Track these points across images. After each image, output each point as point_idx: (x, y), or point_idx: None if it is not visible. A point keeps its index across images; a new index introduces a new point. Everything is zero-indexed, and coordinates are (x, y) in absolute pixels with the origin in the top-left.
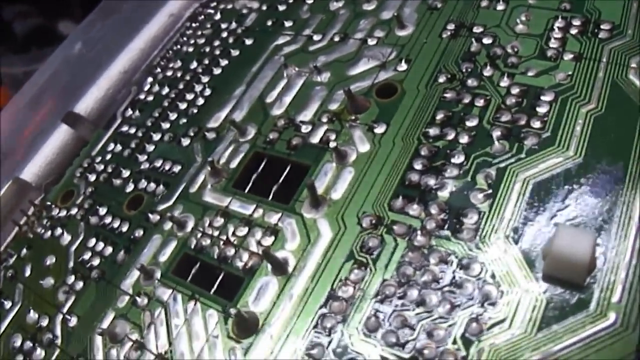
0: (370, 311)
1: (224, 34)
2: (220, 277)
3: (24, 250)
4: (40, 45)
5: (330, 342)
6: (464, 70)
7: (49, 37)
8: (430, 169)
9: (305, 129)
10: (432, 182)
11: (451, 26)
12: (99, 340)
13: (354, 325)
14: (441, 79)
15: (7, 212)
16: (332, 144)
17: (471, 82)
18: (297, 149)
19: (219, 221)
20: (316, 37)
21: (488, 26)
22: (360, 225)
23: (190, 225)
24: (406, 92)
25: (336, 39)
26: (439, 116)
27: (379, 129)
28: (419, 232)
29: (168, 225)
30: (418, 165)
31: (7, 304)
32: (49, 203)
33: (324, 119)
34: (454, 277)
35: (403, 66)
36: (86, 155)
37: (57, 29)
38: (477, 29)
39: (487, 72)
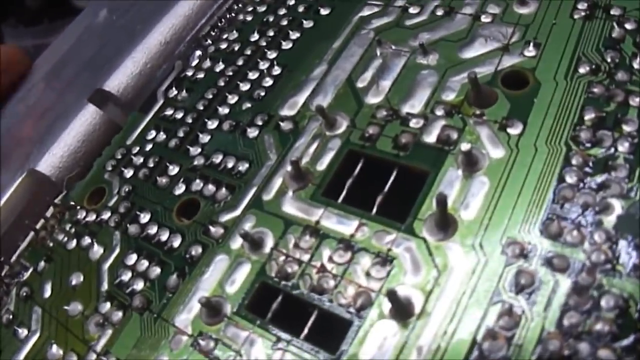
0: None
1: (291, 1)
2: (314, 317)
3: (42, 263)
4: (52, 18)
5: None
6: (609, 60)
7: (62, 10)
8: (587, 183)
9: (415, 123)
10: (591, 200)
11: (582, 5)
12: None
13: None
14: (582, 70)
15: (20, 213)
16: (465, 147)
17: (621, 76)
18: (408, 148)
19: (308, 241)
20: (412, 10)
21: (628, 9)
22: (505, 256)
23: (268, 244)
24: (542, 83)
25: (439, 12)
26: (588, 116)
27: (515, 129)
28: (584, 267)
29: (237, 243)
30: (571, 178)
31: (22, 332)
32: (72, 203)
33: (439, 112)
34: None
35: (531, 51)
36: (119, 144)
37: (71, 1)
38: (615, 11)
39: (638, 64)
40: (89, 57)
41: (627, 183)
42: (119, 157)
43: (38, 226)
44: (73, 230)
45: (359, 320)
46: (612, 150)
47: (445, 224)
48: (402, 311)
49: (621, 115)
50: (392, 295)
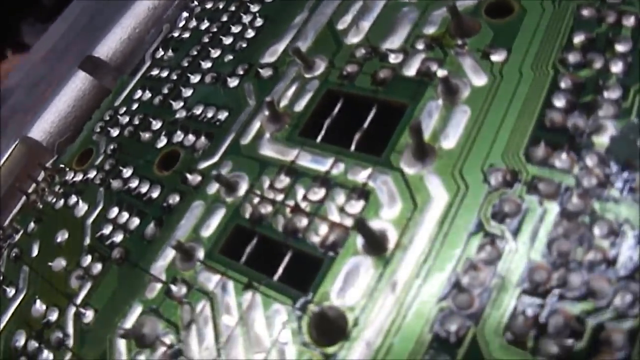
0: (513, 307)
1: None
2: (288, 258)
3: (32, 225)
4: None
5: (456, 353)
6: None
7: None
8: (577, 106)
9: (394, 58)
10: (582, 123)
11: None
12: (121, 343)
13: (490, 329)
14: None
15: (15, 178)
16: (441, 73)
17: None
18: (386, 83)
19: (284, 181)
20: None
21: None
22: (488, 183)
23: (243, 187)
24: (527, 10)
25: None
26: (577, 39)
27: (498, 56)
28: (574, 192)
29: (213, 188)
30: (560, 102)
31: (10, 291)
32: (62, 166)
33: (420, 46)
34: (631, 257)
35: None
36: (108, 107)
37: None
38: None
39: None
40: (81, 28)
41: (621, 104)
42: (107, 118)
43: (30, 190)
44: (61, 191)
45: (330, 257)
46: (604, 71)
47: (423, 153)
48: (374, 244)
49: (613, 35)
50: (361, 226)
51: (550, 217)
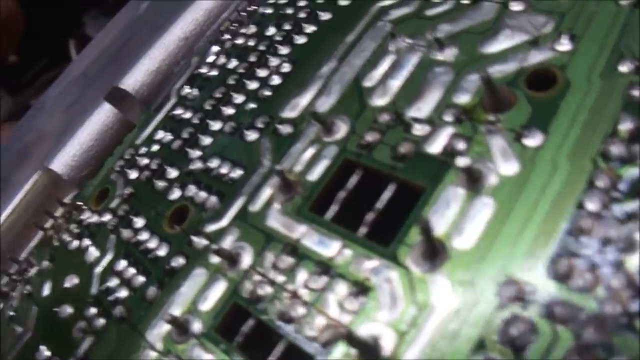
0: None
1: None
2: (281, 348)
3: (46, 262)
4: None
5: None
6: None
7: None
8: (611, 211)
9: (419, 130)
10: (614, 234)
11: None
12: None
13: None
14: (624, 68)
15: (34, 211)
16: (463, 162)
17: None
18: (407, 159)
19: (286, 260)
20: None
21: None
22: (500, 298)
23: (245, 261)
24: (572, 83)
25: (465, 0)
26: (625, 126)
27: (532, 140)
28: (592, 323)
29: (217, 257)
30: (594, 205)
31: (18, 330)
32: (80, 203)
33: (448, 117)
34: None
35: (565, 44)
36: (129, 144)
37: None
38: None
39: None
40: (114, 52)
41: None
42: (127, 157)
43: (47, 225)
44: (77, 230)
45: (322, 356)
46: None
47: (432, 253)
48: (367, 355)
49: None
50: (350, 340)
51: (561, 350)
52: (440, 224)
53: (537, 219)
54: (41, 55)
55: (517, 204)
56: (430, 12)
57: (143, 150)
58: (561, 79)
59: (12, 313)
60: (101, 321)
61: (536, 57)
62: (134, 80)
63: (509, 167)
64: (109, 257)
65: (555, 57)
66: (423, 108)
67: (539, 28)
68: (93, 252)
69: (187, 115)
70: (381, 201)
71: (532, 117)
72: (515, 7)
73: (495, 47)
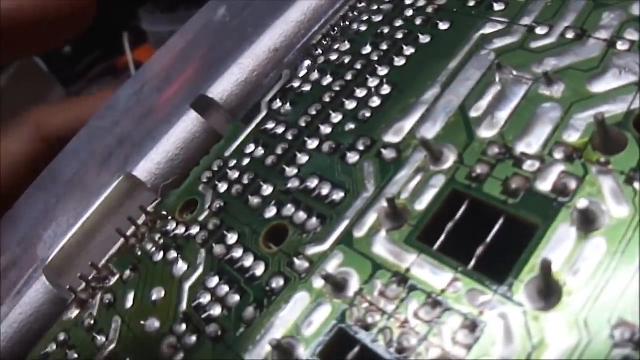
0: None
1: (409, 12)
2: None
3: (128, 272)
4: (188, 5)
5: None
6: None
7: None
8: None
9: (529, 165)
10: None
11: None
12: None
13: None
14: None
15: (113, 217)
16: (582, 204)
17: None
18: (518, 195)
19: (396, 290)
20: (540, 30)
21: None
22: (613, 339)
23: (352, 286)
24: None
25: (569, 35)
26: None
27: None
28: None
29: (320, 282)
30: None
31: (101, 340)
32: (164, 212)
33: (558, 155)
34: None
35: None
36: (218, 155)
37: None
38: None
39: None
40: (200, 57)
41: None
42: (216, 169)
43: (129, 233)
44: (161, 241)
45: None
46: None
47: (549, 292)
48: None
49: None
50: None
51: None
52: (554, 263)
53: None
54: (95, 47)
55: (629, 246)
56: (535, 44)
57: (233, 162)
58: None
59: (91, 321)
60: (193, 338)
61: None
62: (222, 89)
63: (620, 210)
64: (199, 272)
65: None
66: (532, 143)
67: None
68: (181, 266)
69: (280, 130)
70: (491, 235)
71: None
72: (622, 46)
73: (602, 86)
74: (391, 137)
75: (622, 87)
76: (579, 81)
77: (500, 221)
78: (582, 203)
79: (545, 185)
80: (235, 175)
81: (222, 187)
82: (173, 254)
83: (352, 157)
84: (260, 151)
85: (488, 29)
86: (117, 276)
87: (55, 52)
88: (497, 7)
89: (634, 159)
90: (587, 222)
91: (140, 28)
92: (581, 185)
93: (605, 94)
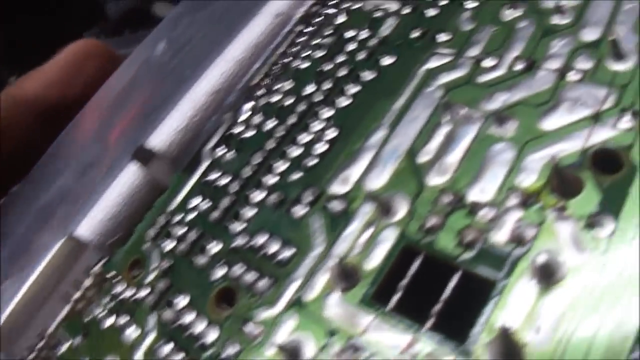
0: None
1: (352, 46)
2: None
3: (78, 338)
4: (134, 28)
5: None
6: None
7: (143, 20)
8: None
9: (483, 214)
10: None
11: None
12: None
13: None
14: None
15: (59, 280)
16: (542, 258)
17: None
18: (473, 248)
19: (352, 354)
20: (488, 62)
21: None
22: None
23: (307, 353)
24: (637, 168)
25: (518, 66)
26: None
27: (603, 229)
28: None
29: (272, 350)
30: None
31: None
32: (112, 273)
33: (513, 201)
34: None
35: (626, 122)
36: (162, 210)
37: (152, 10)
38: None
39: None
40: (139, 104)
41: None
42: (160, 225)
43: (76, 296)
44: (110, 304)
45: None
46: None
47: (508, 351)
48: None
49: None
50: None
51: None
52: (513, 320)
53: (614, 316)
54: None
55: (591, 297)
56: (484, 78)
57: (178, 218)
58: (627, 162)
59: None
60: None
61: (599, 136)
62: (162, 138)
63: (581, 258)
64: (150, 339)
65: (618, 136)
66: (486, 190)
67: (599, 102)
68: (131, 332)
69: (224, 181)
70: (446, 292)
71: (601, 202)
72: (573, 76)
73: (556, 122)
74: (338, 187)
75: (577, 122)
76: (530, 118)
77: (456, 277)
78: (541, 257)
79: (501, 236)
80: (180, 231)
81: (168, 245)
82: (123, 319)
83: (299, 210)
84: (205, 205)
85: (434, 63)
86: (68, 342)
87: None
88: (443, 37)
89: (593, 202)
90: (547, 275)
91: None
92: (538, 234)
93: (558, 130)
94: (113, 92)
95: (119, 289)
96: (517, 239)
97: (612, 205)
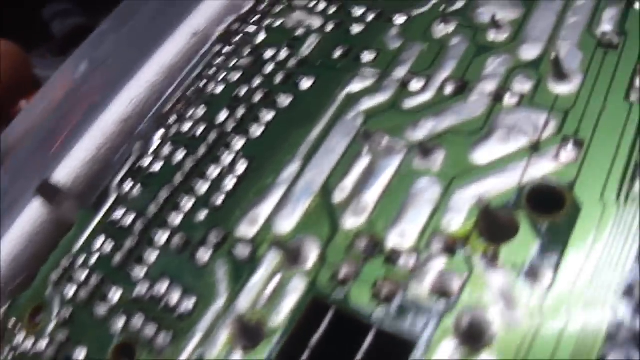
0: None
1: (269, 67)
2: None
3: None
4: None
5: None
6: None
7: None
8: None
9: (403, 264)
10: None
11: None
12: None
13: None
14: None
15: None
16: (465, 319)
17: None
18: (391, 302)
19: None
20: (415, 84)
21: None
22: None
23: None
24: (582, 206)
25: (448, 89)
26: None
27: (540, 280)
28: None
29: None
30: None
31: None
32: (13, 320)
33: (437, 245)
34: None
35: (569, 152)
36: (66, 249)
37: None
38: None
39: None
40: (46, 133)
41: None
42: (64, 267)
43: None
44: (10, 357)
45: None
46: None
47: None
48: None
49: None
50: None
51: None
52: None
53: None
54: None
55: None
56: (409, 103)
57: (81, 260)
58: (569, 200)
59: None
60: None
61: (538, 169)
62: (68, 171)
63: (513, 316)
64: None
65: (560, 169)
66: (406, 234)
67: (538, 129)
68: None
69: (129, 219)
70: (360, 354)
71: (539, 248)
72: (509, 100)
73: (488, 153)
74: (246, 229)
75: (512, 154)
76: (460, 148)
77: (370, 337)
78: (465, 319)
79: (422, 288)
80: (82, 276)
81: (69, 291)
82: None
83: (203, 255)
84: (109, 246)
85: (356, 86)
86: None
87: None
88: (367, 57)
89: (528, 246)
90: (473, 337)
91: (33, 73)
92: (465, 286)
93: (491, 164)
94: (29, 118)
95: (19, 338)
96: (441, 292)
97: (551, 251)
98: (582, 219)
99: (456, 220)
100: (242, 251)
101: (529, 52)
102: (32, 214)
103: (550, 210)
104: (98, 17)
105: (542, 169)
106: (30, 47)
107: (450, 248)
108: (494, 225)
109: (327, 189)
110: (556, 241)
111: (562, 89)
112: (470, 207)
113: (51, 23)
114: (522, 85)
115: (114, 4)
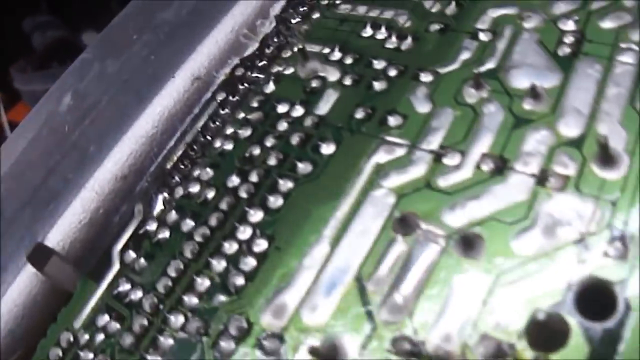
0: None
1: (282, 125)
2: None
3: None
4: (62, 60)
5: None
6: None
7: (71, 51)
8: None
9: None
10: None
11: None
12: None
13: None
14: None
15: None
16: None
17: None
18: None
19: None
20: (449, 159)
21: None
22: None
23: None
24: (631, 309)
25: (485, 166)
26: None
27: None
28: None
29: None
30: None
31: None
32: None
33: (482, 349)
34: None
35: (619, 248)
36: (66, 324)
37: (80, 41)
38: None
39: None
40: (35, 186)
41: None
42: (65, 345)
43: None
44: None
45: None
46: None
47: None
48: None
49: None
50: None
51: None
52: None
53: None
54: None
55: None
56: (445, 181)
57: (85, 338)
58: (620, 302)
59: None
60: None
61: (585, 266)
62: (62, 235)
63: None
64: None
65: (608, 266)
66: (451, 335)
67: (586, 221)
68: None
69: (136, 295)
70: None
71: (591, 354)
72: (554, 183)
73: (532, 246)
74: (271, 321)
75: (558, 248)
76: (502, 240)
77: None
78: None
79: None
80: (88, 357)
81: None
82: None
83: (225, 346)
84: (115, 325)
85: (383, 155)
86: None
87: None
88: (393, 121)
89: (582, 352)
90: None
91: (13, 87)
92: None
93: (535, 258)
94: (9, 157)
95: None
96: None
97: (605, 355)
98: (633, 323)
99: (503, 324)
100: (270, 345)
101: (570, 128)
102: (25, 283)
103: (602, 313)
104: (79, 30)
105: (590, 265)
106: (11, 60)
107: (501, 355)
108: (543, 335)
109: (360, 278)
110: (609, 347)
111: (611, 175)
112: (517, 310)
113: (31, 36)
114: (565, 168)
115: (96, 16)
